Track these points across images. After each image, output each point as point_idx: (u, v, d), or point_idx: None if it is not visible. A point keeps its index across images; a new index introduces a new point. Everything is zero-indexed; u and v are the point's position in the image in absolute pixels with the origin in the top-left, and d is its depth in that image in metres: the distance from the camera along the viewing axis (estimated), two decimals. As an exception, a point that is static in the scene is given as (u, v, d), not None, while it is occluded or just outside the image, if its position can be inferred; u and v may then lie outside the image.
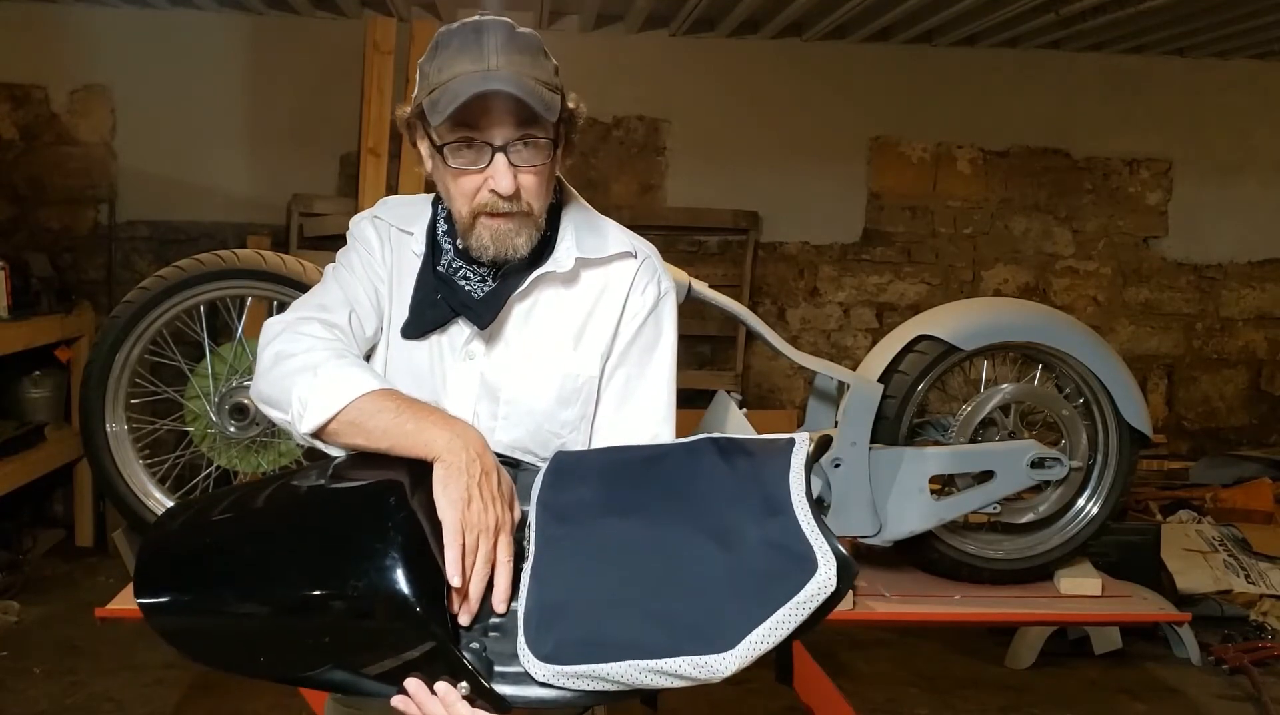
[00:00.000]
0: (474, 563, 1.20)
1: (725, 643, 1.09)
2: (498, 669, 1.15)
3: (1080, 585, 2.52)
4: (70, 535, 4.88)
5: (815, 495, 1.23)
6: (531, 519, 1.27)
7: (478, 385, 1.44)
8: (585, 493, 1.28)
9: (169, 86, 4.98)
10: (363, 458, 1.30)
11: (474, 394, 1.44)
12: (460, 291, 1.44)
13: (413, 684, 1.13)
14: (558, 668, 1.12)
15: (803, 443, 1.25)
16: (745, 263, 5.27)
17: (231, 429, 2.52)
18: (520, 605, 1.18)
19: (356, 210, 4.36)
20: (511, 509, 1.27)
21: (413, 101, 1.40)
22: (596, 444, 1.48)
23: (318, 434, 1.31)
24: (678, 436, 1.46)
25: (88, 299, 4.91)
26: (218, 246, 3.52)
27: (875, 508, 2.41)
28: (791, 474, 1.22)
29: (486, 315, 1.43)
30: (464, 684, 1.12)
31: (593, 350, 1.46)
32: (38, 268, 4.60)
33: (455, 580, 1.17)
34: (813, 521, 1.15)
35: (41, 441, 4.51)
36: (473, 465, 1.24)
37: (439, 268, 1.46)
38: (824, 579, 1.09)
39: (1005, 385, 2.52)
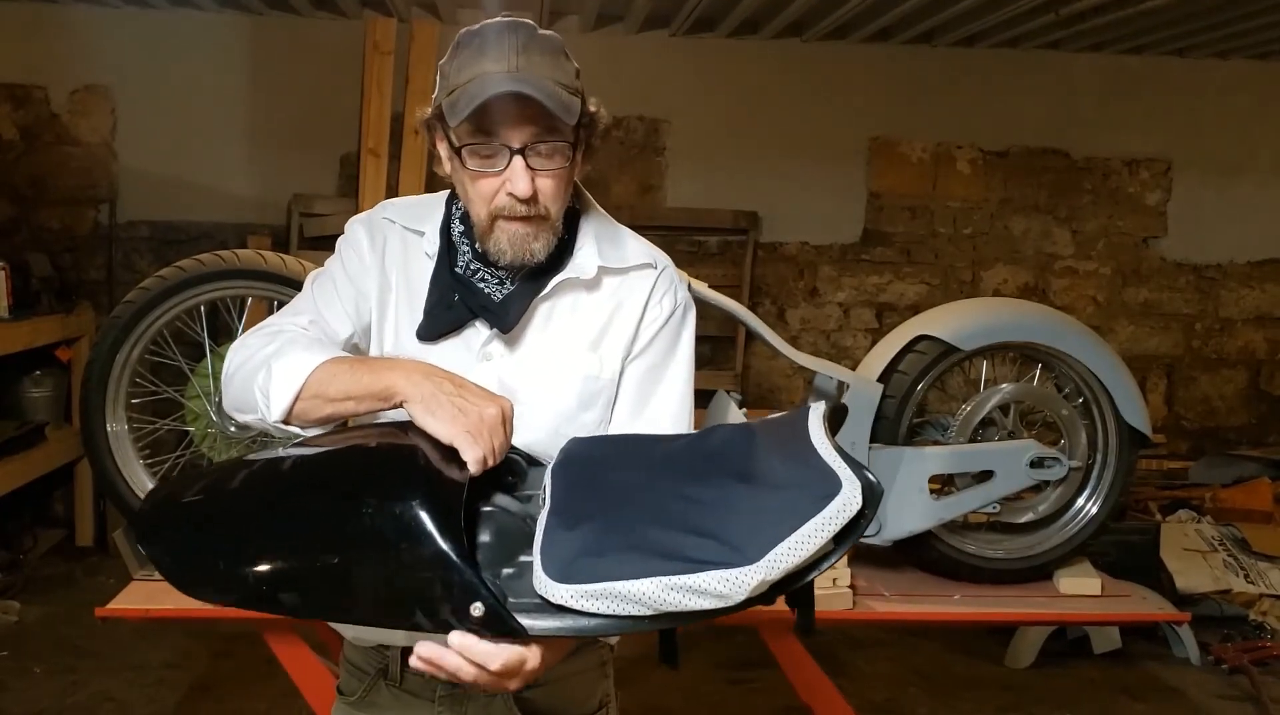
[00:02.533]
0: (495, 461, 1.22)
1: (750, 557, 1.06)
2: (511, 600, 1.11)
3: (1080, 585, 2.53)
4: (71, 535, 4.88)
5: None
6: (547, 480, 1.26)
7: (496, 387, 1.42)
8: (603, 455, 1.29)
9: (169, 87, 4.99)
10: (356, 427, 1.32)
11: None
12: (479, 293, 1.43)
13: (425, 649, 1.09)
14: (576, 587, 1.07)
15: (818, 405, 1.28)
16: (745, 263, 5.27)
17: (232, 429, 2.52)
18: (536, 545, 1.15)
19: (357, 210, 4.35)
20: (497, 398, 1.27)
21: (433, 102, 1.39)
22: None
23: (288, 420, 1.32)
24: None
25: (88, 299, 4.91)
26: (218, 246, 3.51)
27: (875, 507, 2.41)
28: (811, 422, 1.23)
29: (509, 317, 1.42)
30: (478, 604, 1.08)
31: (613, 354, 1.47)
32: (38, 268, 4.60)
33: (477, 471, 1.19)
34: (834, 453, 1.16)
35: (42, 441, 4.51)
36: (442, 384, 1.24)
37: (456, 269, 1.45)
38: (848, 496, 1.09)
39: (1005, 385, 2.52)
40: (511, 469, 1.33)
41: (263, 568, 1.14)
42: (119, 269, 5.04)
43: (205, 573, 1.18)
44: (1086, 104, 5.43)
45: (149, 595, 2.26)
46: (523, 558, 1.17)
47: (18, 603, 4.06)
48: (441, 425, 1.21)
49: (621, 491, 1.20)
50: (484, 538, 1.20)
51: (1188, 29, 4.76)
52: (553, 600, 1.09)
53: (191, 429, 2.61)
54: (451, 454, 1.20)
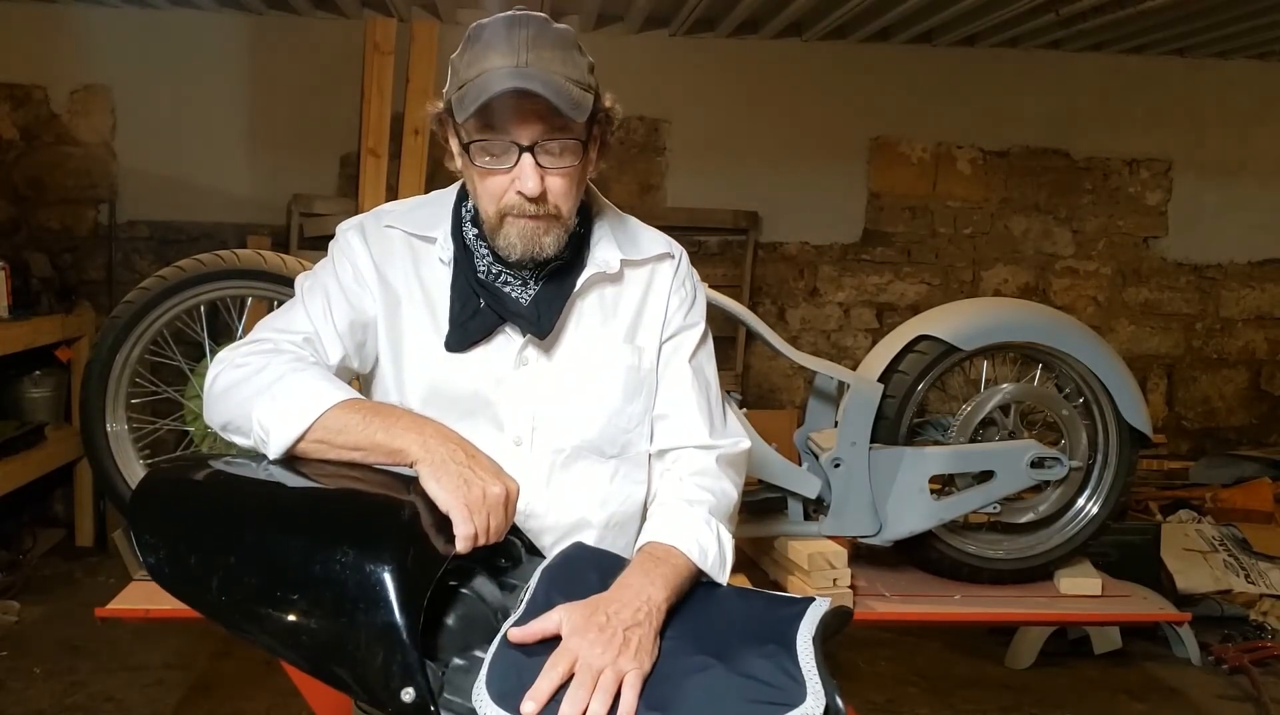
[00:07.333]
0: (488, 541, 1.19)
1: None
2: (447, 694, 1.09)
3: (1080, 585, 2.52)
4: (70, 535, 4.87)
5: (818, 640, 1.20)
6: (534, 580, 1.23)
7: (538, 391, 1.41)
8: (593, 579, 1.24)
9: (169, 86, 4.98)
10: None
11: (533, 400, 1.41)
12: (506, 298, 1.40)
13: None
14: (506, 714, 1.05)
15: (823, 602, 1.25)
16: (745, 263, 5.27)
17: (231, 429, 2.51)
18: (491, 649, 1.12)
19: (357, 210, 4.37)
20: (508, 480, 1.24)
21: (444, 96, 1.37)
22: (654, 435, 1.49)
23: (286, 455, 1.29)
24: None
25: (88, 299, 4.90)
26: (218, 246, 3.52)
27: (875, 508, 2.41)
28: (804, 620, 1.20)
29: (544, 322, 1.39)
30: (410, 690, 1.04)
31: (649, 343, 1.47)
32: (38, 268, 4.59)
33: (465, 549, 1.16)
34: (813, 664, 1.12)
35: (42, 441, 4.50)
36: (455, 453, 1.22)
37: (478, 274, 1.41)
38: (808, 710, 1.06)
39: (1005, 385, 2.52)
40: (507, 552, 1.30)
41: (229, 586, 1.13)
42: (119, 269, 5.04)
43: (182, 576, 1.16)
44: (1086, 104, 5.43)
45: (149, 595, 2.25)
46: (477, 652, 1.14)
47: (17, 603, 4.05)
48: (444, 492, 1.18)
49: None
50: (449, 620, 1.17)
51: (1188, 29, 4.76)
52: (479, 713, 1.06)
53: (191, 429, 2.61)
54: (445, 523, 1.17)
